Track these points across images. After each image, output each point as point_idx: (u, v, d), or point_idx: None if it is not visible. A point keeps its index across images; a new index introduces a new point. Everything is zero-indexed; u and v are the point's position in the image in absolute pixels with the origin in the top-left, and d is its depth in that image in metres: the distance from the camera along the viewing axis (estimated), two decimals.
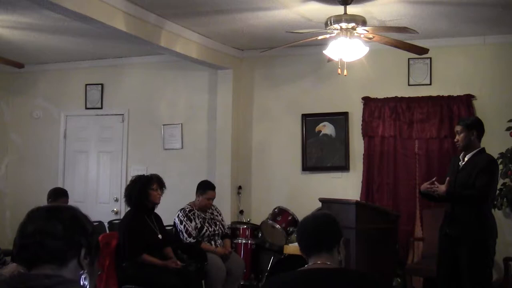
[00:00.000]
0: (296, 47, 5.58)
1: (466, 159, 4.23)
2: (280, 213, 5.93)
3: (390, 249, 4.74)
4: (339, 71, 4.48)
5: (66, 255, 1.65)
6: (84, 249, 1.69)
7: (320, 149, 6.38)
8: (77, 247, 1.68)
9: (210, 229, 5.44)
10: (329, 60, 4.87)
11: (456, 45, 5.93)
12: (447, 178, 4.19)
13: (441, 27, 5.50)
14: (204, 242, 5.35)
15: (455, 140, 4.31)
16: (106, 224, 6.22)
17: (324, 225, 2.37)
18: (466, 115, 5.62)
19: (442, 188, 4.14)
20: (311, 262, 2.30)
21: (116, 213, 7.03)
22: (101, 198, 7.26)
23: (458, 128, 4.28)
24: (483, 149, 4.26)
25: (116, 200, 7.09)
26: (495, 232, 4.18)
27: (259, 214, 6.36)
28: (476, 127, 4.24)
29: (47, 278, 1.60)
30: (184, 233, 5.30)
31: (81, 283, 1.68)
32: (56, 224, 1.66)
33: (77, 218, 1.73)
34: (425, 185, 4.29)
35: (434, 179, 4.27)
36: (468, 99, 5.79)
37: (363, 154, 6.15)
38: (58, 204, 1.81)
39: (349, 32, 4.34)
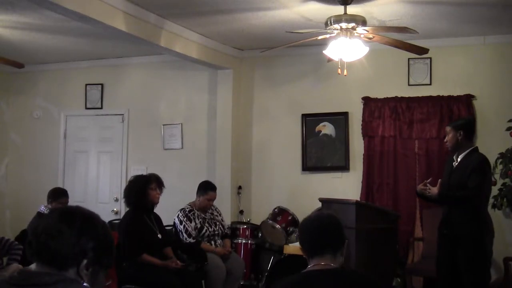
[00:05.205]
0: (296, 47, 5.58)
1: (459, 159, 4.28)
2: (280, 213, 5.92)
3: (390, 249, 4.74)
4: (339, 71, 4.47)
5: (65, 261, 1.61)
6: (87, 260, 1.63)
7: (320, 149, 6.38)
8: (78, 256, 1.62)
9: (210, 229, 5.44)
10: (329, 60, 4.87)
11: (456, 45, 5.92)
12: (439, 180, 4.29)
13: (441, 27, 5.50)
14: (204, 242, 5.35)
15: (445, 140, 4.43)
16: None
17: (331, 226, 2.35)
18: (466, 115, 5.64)
19: (435, 190, 4.24)
20: (312, 263, 2.29)
21: (116, 213, 7.03)
22: (101, 198, 7.26)
23: (447, 129, 4.41)
24: (476, 148, 4.33)
25: (116, 200, 7.09)
26: (492, 231, 4.19)
27: (259, 214, 6.35)
28: (463, 128, 4.30)
29: (48, 275, 1.59)
30: (184, 233, 5.30)
31: None
32: (63, 228, 1.62)
33: (88, 226, 1.66)
34: (419, 186, 4.41)
35: (428, 180, 4.37)
36: (468, 99, 5.79)
37: (363, 154, 6.15)
38: (79, 208, 1.72)
39: (349, 32, 4.33)
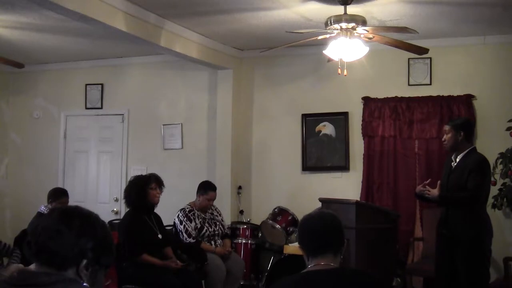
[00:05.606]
0: (296, 47, 5.58)
1: (458, 159, 4.27)
2: (280, 213, 5.92)
3: (390, 249, 4.74)
4: (339, 71, 4.47)
5: (64, 261, 1.61)
6: (86, 260, 1.63)
7: (320, 149, 6.38)
8: (77, 257, 1.62)
9: (210, 229, 5.44)
10: (329, 60, 4.87)
11: (456, 45, 5.92)
12: (439, 182, 4.28)
13: (441, 27, 5.49)
14: (204, 242, 5.35)
15: (443, 139, 4.39)
16: None
17: (333, 226, 2.34)
18: (466, 115, 5.63)
19: (435, 192, 4.23)
20: (313, 263, 2.28)
21: (116, 213, 7.03)
22: (101, 198, 7.26)
23: (446, 128, 4.37)
24: (474, 148, 4.32)
25: (116, 200, 7.09)
26: (490, 231, 4.19)
27: (259, 214, 6.36)
28: (464, 128, 4.28)
29: (46, 276, 1.58)
30: (184, 233, 5.30)
31: None
32: (62, 229, 1.62)
33: (88, 227, 1.66)
34: (418, 188, 4.39)
35: (427, 182, 4.34)
36: (468, 99, 5.79)
37: (363, 154, 6.15)
38: (79, 208, 1.72)
39: (349, 32, 4.33)
